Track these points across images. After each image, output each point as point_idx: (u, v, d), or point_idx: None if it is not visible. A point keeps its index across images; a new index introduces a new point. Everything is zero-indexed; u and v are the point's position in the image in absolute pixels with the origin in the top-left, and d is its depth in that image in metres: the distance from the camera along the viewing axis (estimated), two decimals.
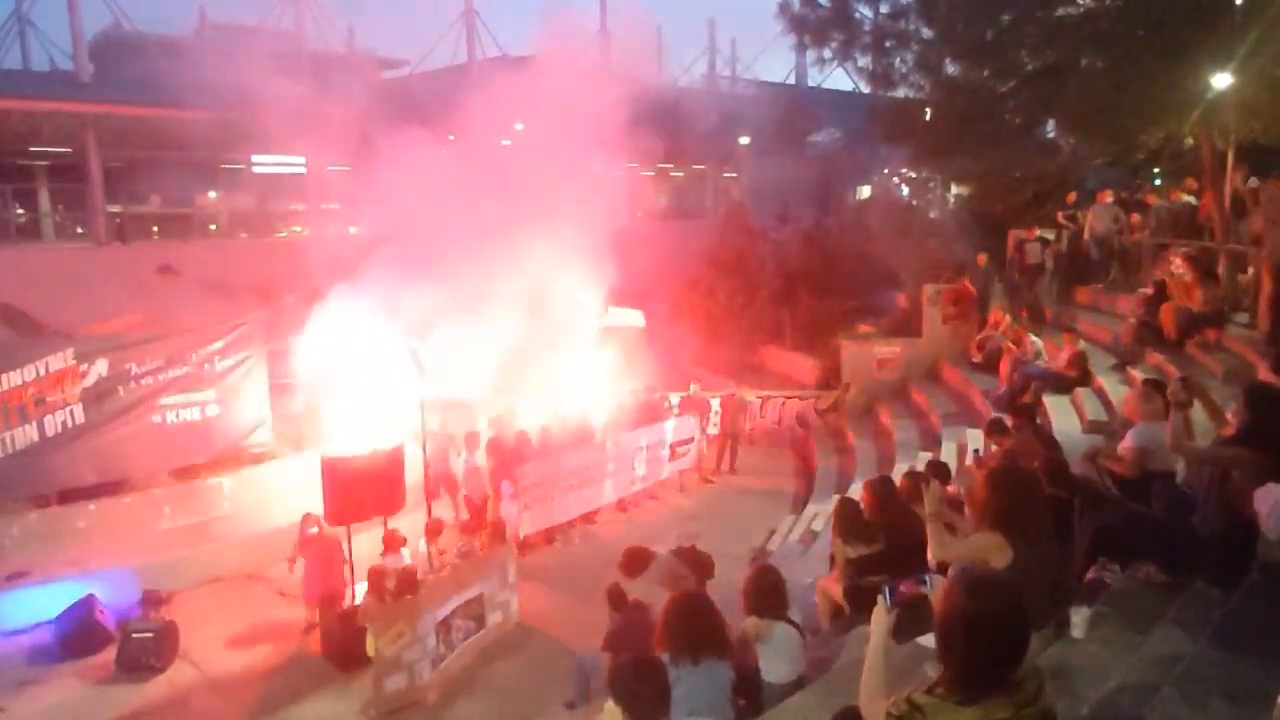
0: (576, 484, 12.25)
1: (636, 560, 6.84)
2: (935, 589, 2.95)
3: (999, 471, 4.17)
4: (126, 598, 9.55)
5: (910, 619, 2.85)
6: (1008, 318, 13.89)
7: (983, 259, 16.13)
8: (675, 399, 15.29)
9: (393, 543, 9.01)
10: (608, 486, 12.78)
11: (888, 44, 13.16)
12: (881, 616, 2.83)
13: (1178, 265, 10.95)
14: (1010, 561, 3.78)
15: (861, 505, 6.72)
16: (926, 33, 12.93)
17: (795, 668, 4.75)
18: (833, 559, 6.99)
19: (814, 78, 31.53)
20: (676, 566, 6.62)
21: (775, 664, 4.75)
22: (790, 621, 4.78)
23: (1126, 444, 5.61)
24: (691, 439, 14.28)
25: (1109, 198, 14.69)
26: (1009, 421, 7.84)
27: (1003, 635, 2.23)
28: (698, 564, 6.97)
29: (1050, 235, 15.40)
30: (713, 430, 15.22)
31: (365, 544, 9.38)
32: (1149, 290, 11.35)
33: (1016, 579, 3.34)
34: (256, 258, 20.19)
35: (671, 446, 13.87)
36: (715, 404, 15.43)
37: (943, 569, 4.75)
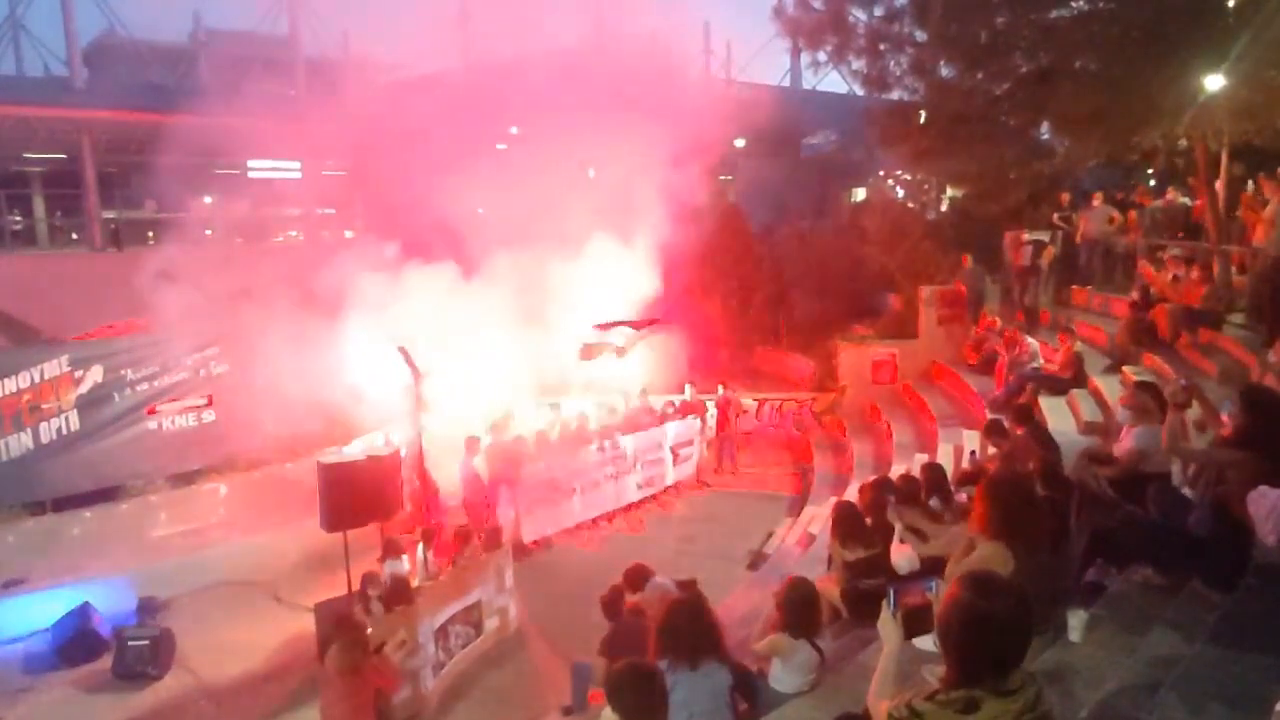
0: (576, 489, 12.24)
1: (636, 577, 6.91)
2: (938, 595, 2.96)
3: (997, 482, 4.16)
4: (122, 605, 9.51)
5: (914, 621, 2.88)
6: (998, 320, 13.94)
7: (967, 260, 16.20)
8: (676, 401, 15.28)
9: (391, 548, 8.97)
10: (608, 492, 12.76)
11: (882, 47, 13.14)
12: (891, 625, 2.84)
13: (1167, 273, 11.01)
14: (1013, 570, 3.77)
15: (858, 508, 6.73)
16: (920, 36, 12.93)
17: (808, 681, 4.73)
18: (829, 560, 7.00)
19: (809, 80, 31.59)
20: (669, 593, 6.60)
21: (788, 677, 4.73)
22: (816, 647, 4.72)
23: (1123, 446, 5.62)
24: (692, 441, 14.27)
25: (1098, 200, 14.75)
26: (1007, 423, 7.84)
27: (1005, 633, 2.26)
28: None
29: (1044, 237, 15.45)
30: (709, 434, 15.21)
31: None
32: (1135, 295, 11.42)
33: (1022, 581, 3.35)
34: (253, 263, 20.16)
35: (673, 449, 13.85)
36: (710, 406, 15.44)
37: (938, 570, 4.77)
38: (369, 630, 6.58)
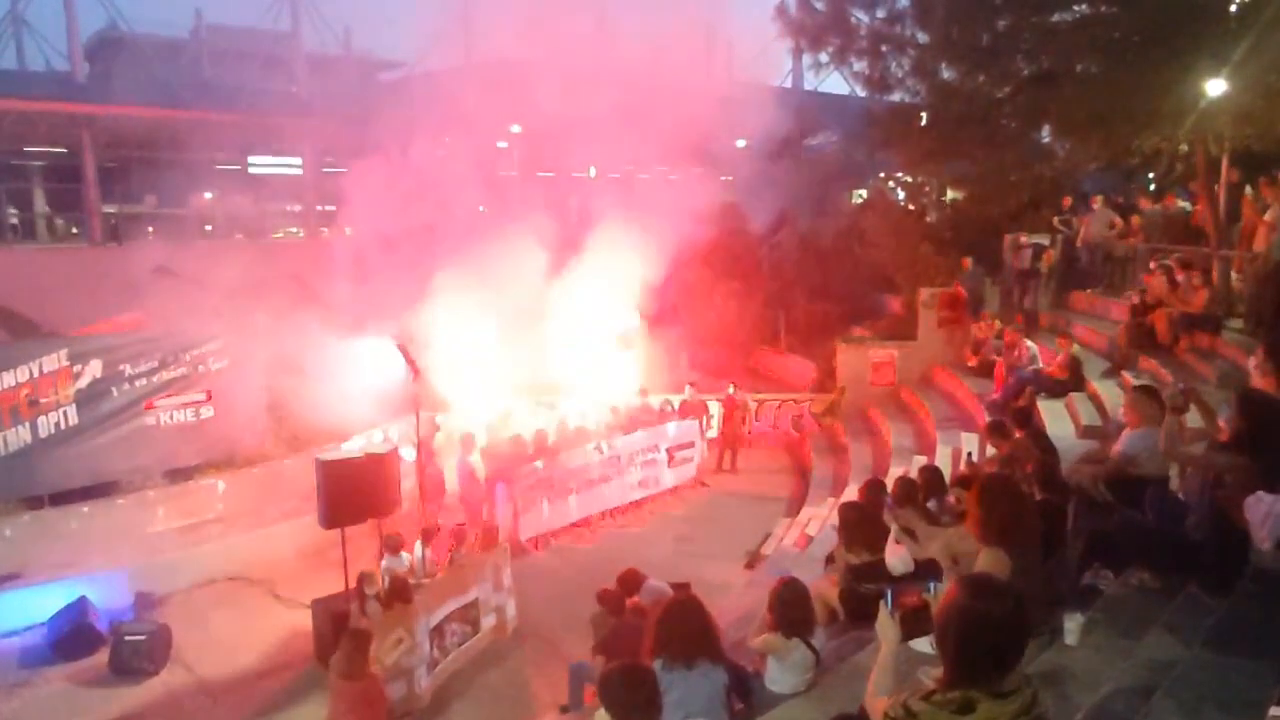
0: (573, 488, 12.25)
1: (630, 582, 6.90)
2: (936, 596, 2.96)
3: (988, 486, 4.13)
4: (119, 600, 9.53)
5: (913, 622, 2.88)
6: (997, 323, 13.95)
7: (968, 262, 16.21)
8: (676, 401, 15.29)
9: (391, 545, 8.97)
10: (605, 491, 12.75)
11: (884, 48, 13.13)
12: (889, 624, 2.84)
13: (1165, 277, 11.01)
14: (1011, 573, 3.76)
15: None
16: (922, 37, 12.92)
17: (804, 681, 4.74)
18: (827, 560, 7.00)
19: (810, 81, 31.57)
20: (665, 596, 6.61)
21: (784, 677, 4.74)
22: (810, 646, 4.75)
23: (1117, 448, 5.63)
24: (692, 444, 14.23)
25: (1097, 203, 14.76)
26: (1008, 424, 7.83)
27: (1002, 634, 2.26)
28: None
29: (1044, 240, 15.47)
30: (711, 434, 15.21)
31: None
32: (1135, 298, 11.44)
33: (1019, 583, 3.35)
34: (252, 259, 20.16)
35: (669, 451, 13.83)
36: (714, 407, 15.44)
37: (934, 572, 4.77)
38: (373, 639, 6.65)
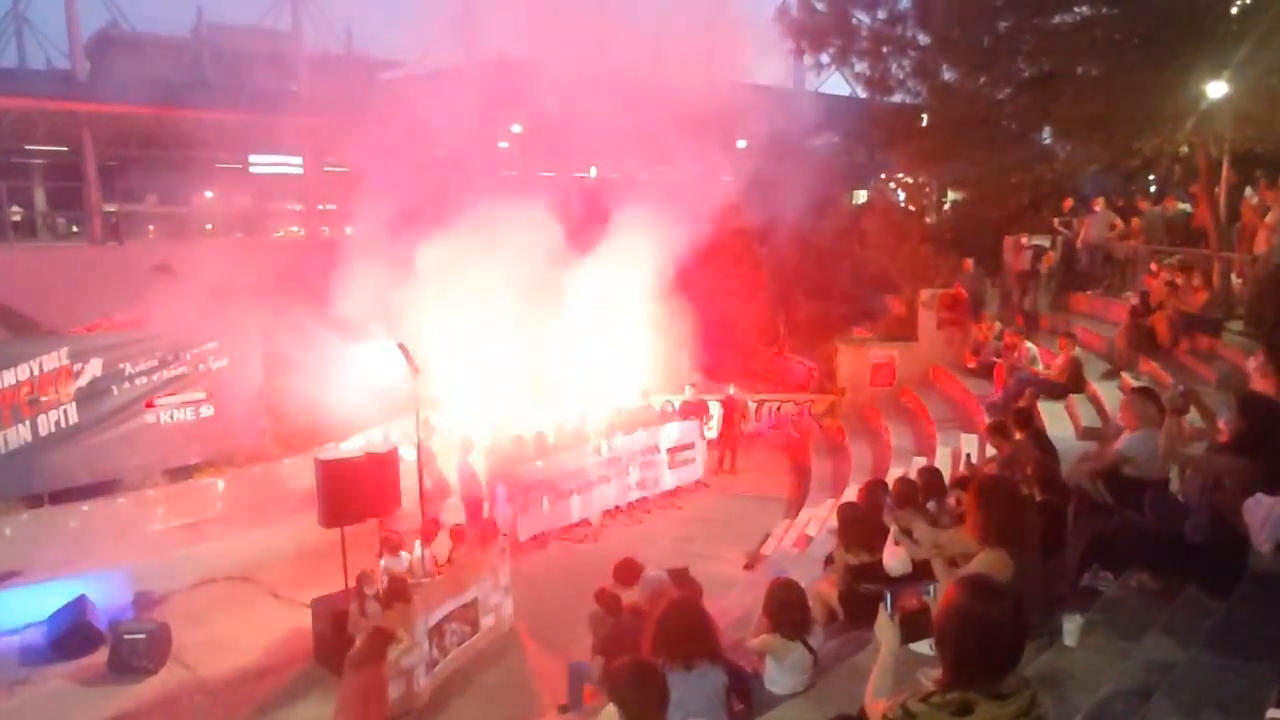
0: (573, 489, 12.24)
1: (627, 572, 6.89)
2: (936, 599, 2.96)
3: (990, 487, 4.12)
4: (119, 599, 9.53)
5: (912, 625, 2.89)
6: (997, 324, 13.95)
7: (968, 264, 16.20)
8: (676, 402, 15.28)
9: (390, 544, 8.96)
10: (604, 492, 12.75)
11: (885, 50, 13.14)
12: (888, 626, 2.85)
13: (1164, 278, 11.01)
14: (1013, 574, 3.76)
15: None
16: (923, 39, 12.93)
17: (802, 682, 4.74)
18: (827, 561, 7.00)
19: (811, 82, 31.54)
20: (664, 585, 6.61)
21: (783, 678, 4.74)
22: (808, 646, 4.76)
23: (1115, 448, 5.64)
24: (693, 445, 14.22)
25: (1099, 205, 14.78)
26: (1009, 425, 7.83)
27: (999, 635, 2.26)
28: (687, 587, 6.96)
29: (1045, 241, 15.47)
30: (710, 434, 15.20)
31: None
32: (1134, 300, 11.43)
33: (1018, 585, 3.36)
34: (253, 257, 20.15)
35: (670, 452, 13.82)
36: (714, 407, 15.43)
37: (933, 574, 4.77)
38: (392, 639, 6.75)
